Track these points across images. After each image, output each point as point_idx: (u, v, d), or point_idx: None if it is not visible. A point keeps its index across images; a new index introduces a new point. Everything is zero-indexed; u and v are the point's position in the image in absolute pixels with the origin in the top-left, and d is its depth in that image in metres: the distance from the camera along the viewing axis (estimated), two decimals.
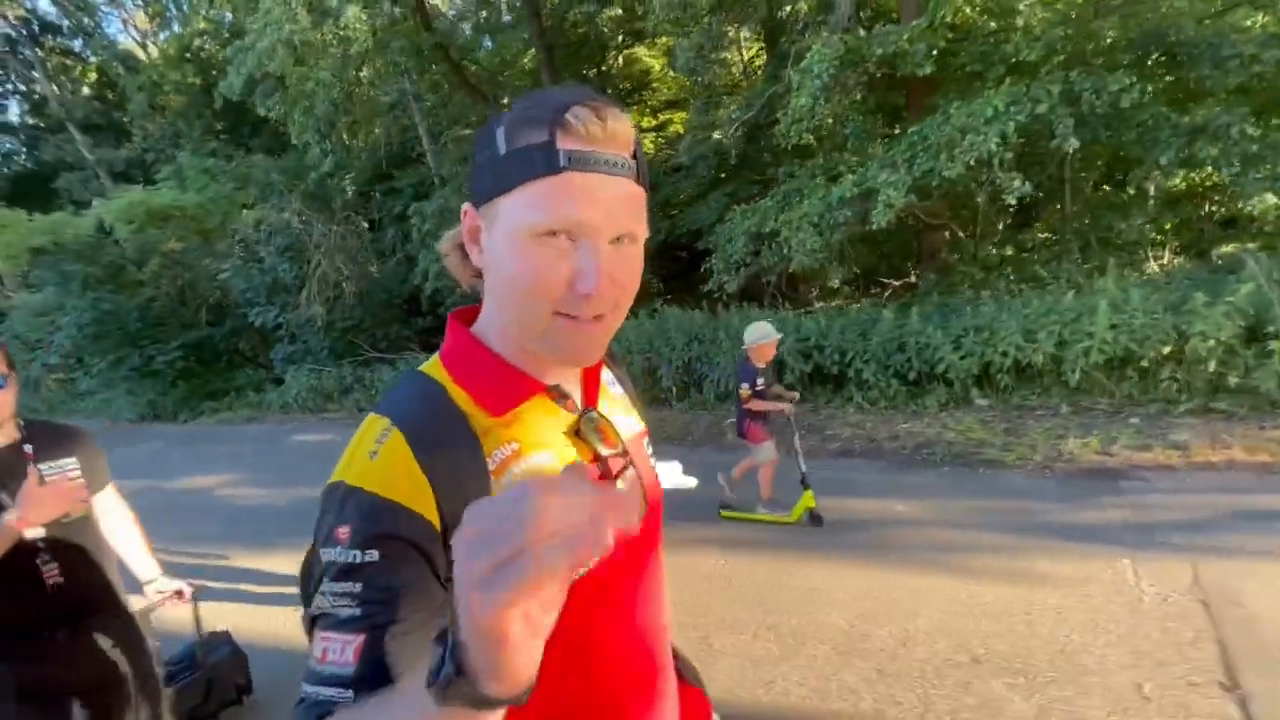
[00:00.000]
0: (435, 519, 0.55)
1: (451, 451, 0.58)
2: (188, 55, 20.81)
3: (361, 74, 12.27)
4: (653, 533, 0.74)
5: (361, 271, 11.04)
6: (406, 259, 11.09)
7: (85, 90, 26.94)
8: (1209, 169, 5.73)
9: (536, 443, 0.63)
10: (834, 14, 6.70)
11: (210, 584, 2.61)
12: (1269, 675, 2.02)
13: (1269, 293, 4.25)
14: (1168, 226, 6.81)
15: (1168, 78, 6.04)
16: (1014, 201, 5.16)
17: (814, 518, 3.45)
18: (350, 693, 0.49)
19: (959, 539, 3.19)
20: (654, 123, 14.08)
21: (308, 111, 9.41)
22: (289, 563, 3.90)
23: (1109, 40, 6.01)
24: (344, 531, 0.53)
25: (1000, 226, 7.99)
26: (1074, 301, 4.82)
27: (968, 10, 6.03)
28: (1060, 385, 4.78)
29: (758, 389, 3.44)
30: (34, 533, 1.41)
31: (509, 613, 0.34)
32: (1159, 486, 3.45)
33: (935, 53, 6.05)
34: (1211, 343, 4.17)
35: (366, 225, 12.79)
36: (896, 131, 6.96)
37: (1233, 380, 4.16)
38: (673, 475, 2.98)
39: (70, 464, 1.55)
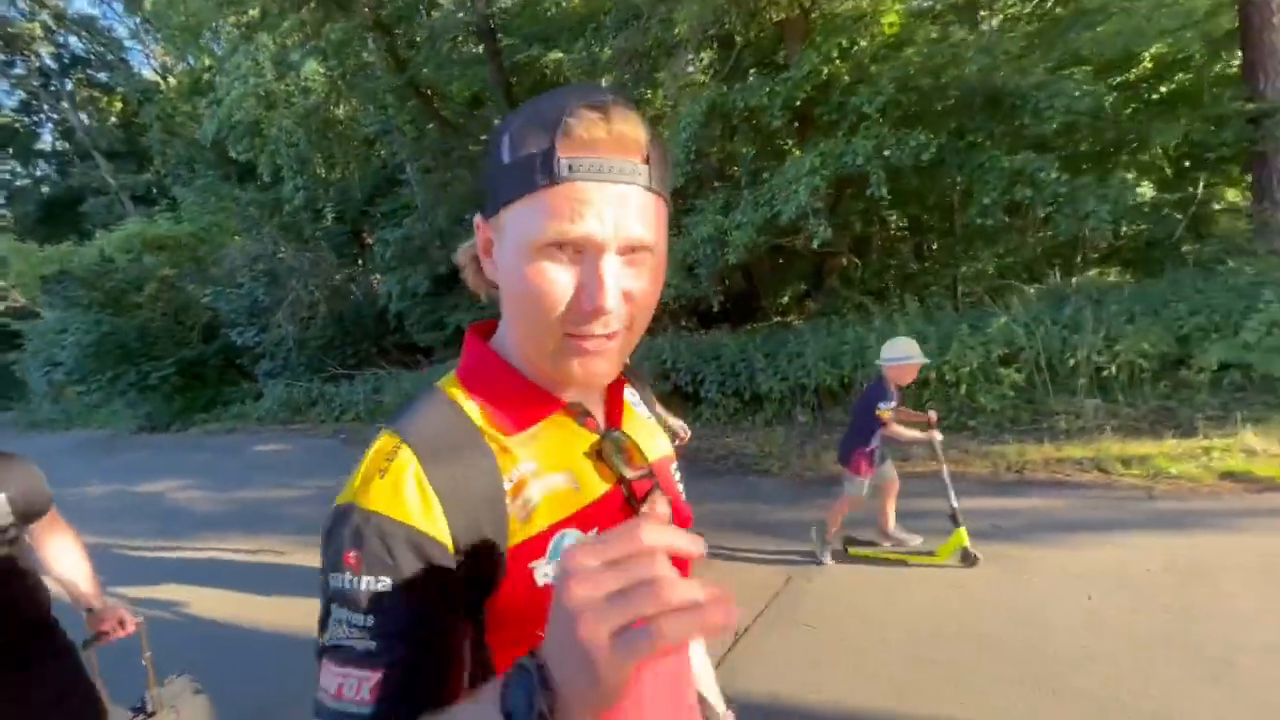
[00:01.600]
0: (448, 541, 0.53)
1: (464, 469, 0.56)
2: (198, 88, 22.30)
3: (338, 111, 13.40)
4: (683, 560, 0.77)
5: (332, 294, 12.09)
6: (371, 282, 12.13)
7: (111, 120, 28.77)
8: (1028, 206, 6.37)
9: (555, 463, 0.62)
10: (676, 60, 7.48)
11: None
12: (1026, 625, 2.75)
13: (1016, 326, 4.94)
14: (1009, 259, 7.44)
15: (999, 126, 6.71)
16: (816, 245, 5.87)
17: (966, 556, 3.02)
18: None
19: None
20: None
21: (273, 155, 10.47)
22: (207, 554, 4.83)
23: (947, 94, 6.71)
24: (353, 557, 0.51)
25: (890, 259, 8.66)
26: (859, 332, 5.54)
27: (825, 69, 6.77)
28: (847, 405, 5.52)
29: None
30: None
31: (635, 671, 0.35)
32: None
33: (798, 104, 6.83)
34: (965, 370, 4.87)
35: (358, 248, 13.87)
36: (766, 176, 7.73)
37: (983, 401, 4.84)
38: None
39: None
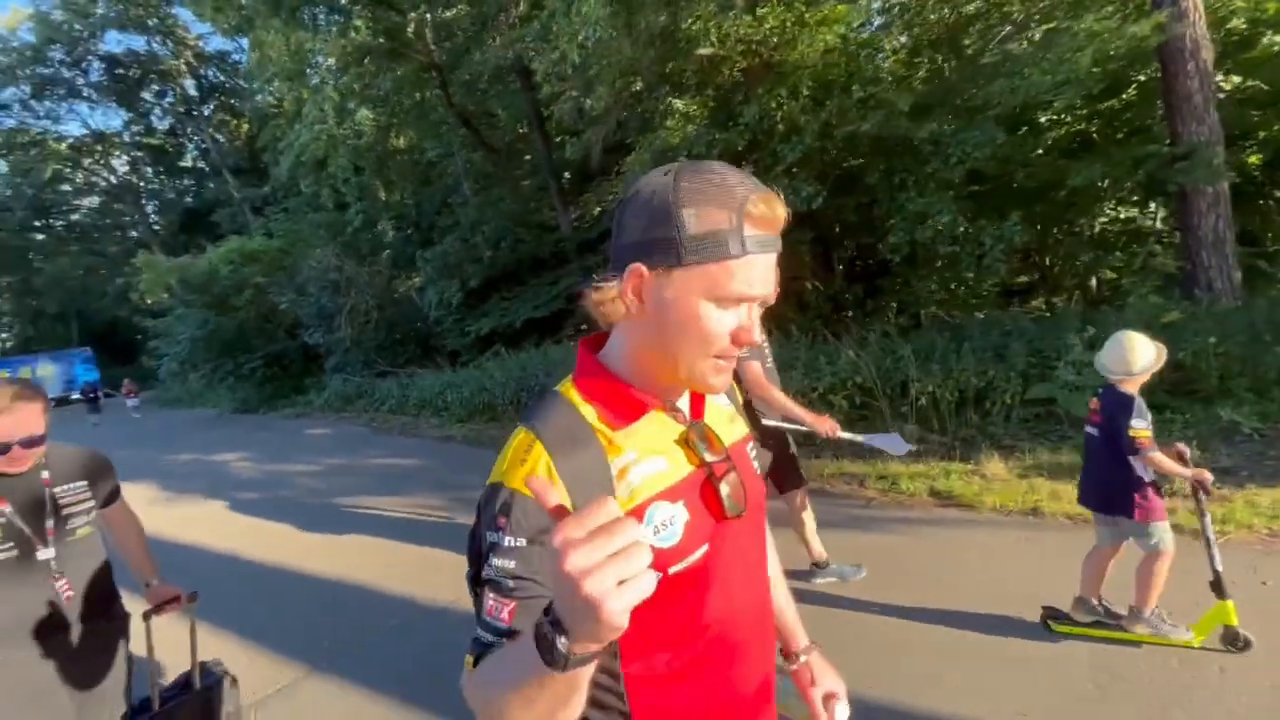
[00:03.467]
0: (571, 508, 0.63)
1: (583, 458, 0.73)
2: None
3: (399, 142, 15.42)
4: (757, 526, 0.88)
5: (385, 302, 14.08)
6: (418, 293, 14.00)
7: (238, 141, 33.16)
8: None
9: (652, 450, 0.77)
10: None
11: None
12: None
13: (862, 356, 5.68)
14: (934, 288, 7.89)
15: (919, 170, 7.29)
16: None
17: (1232, 638, 2.31)
18: (504, 640, 0.66)
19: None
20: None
21: (334, 187, 12.49)
22: (214, 511, 6.51)
23: (859, 144, 7.39)
24: (503, 521, 0.69)
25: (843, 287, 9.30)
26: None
27: (763, 120, 7.65)
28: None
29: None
30: (46, 554, 1.64)
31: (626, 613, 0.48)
32: None
33: (739, 149, 7.74)
34: (814, 394, 5.68)
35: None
36: None
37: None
38: (891, 442, 2.86)
39: (80, 486, 1.76)
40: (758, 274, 0.71)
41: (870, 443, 2.91)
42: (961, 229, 6.61)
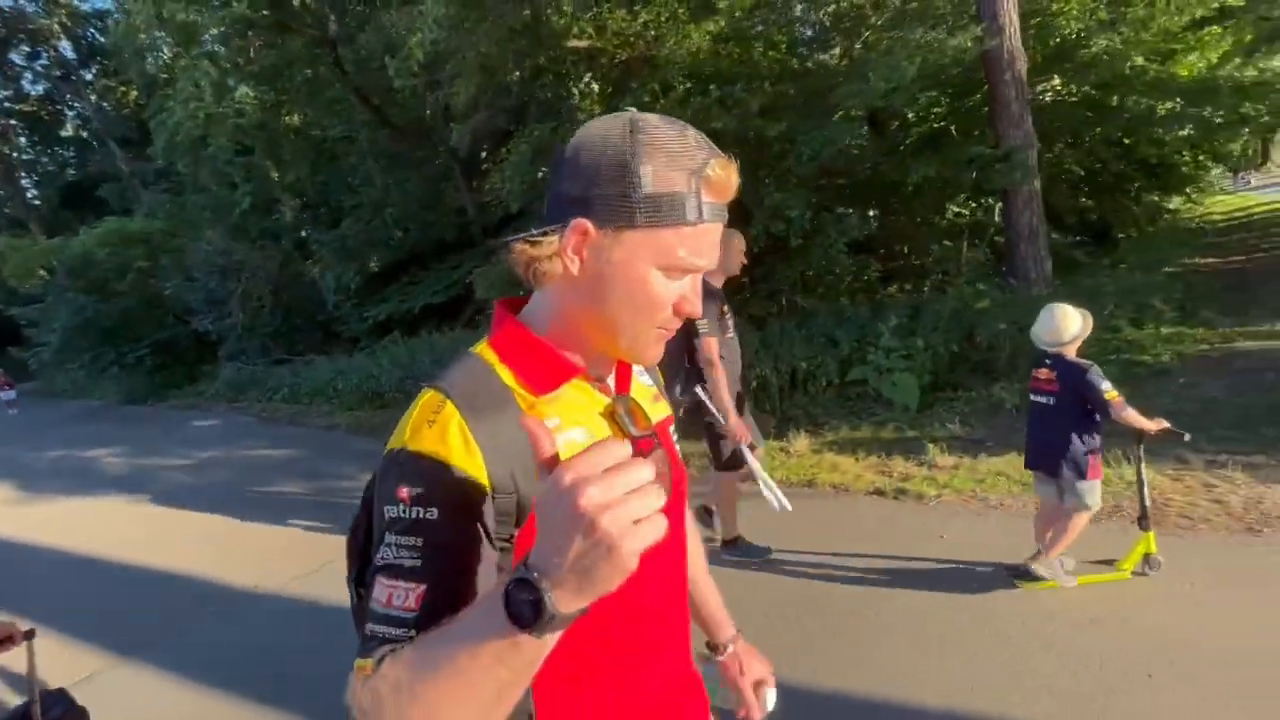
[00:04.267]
0: (485, 481, 0.62)
1: (500, 422, 0.65)
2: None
3: (293, 120, 14.81)
4: (679, 513, 0.85)
5: (279, 287, 13.65)
6: (313, 279, 13.64)
7: (125, 109, 30.66)
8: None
9: (574, 420, 0.71)
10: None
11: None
12: None
13: None
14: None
15: (771, 170, 7.74)
16: None
17: (1154, 563, 2.70)
18: (412, 632, 0.57)
19: None
20: None
21: (213, 168, 11.96)
22: (74, 508, 6.38)
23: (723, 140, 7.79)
24: (405, 491, 0.60)
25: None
26: None
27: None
28: None
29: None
30: None
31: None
32: None
33: None
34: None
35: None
36: None
37: None
38: (776, 496, 2.78)
39: None
40: (707, 243, 0.67)
41: (762, 483, 2.83)
42: (807, 222, 7.14)
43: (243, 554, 4.37)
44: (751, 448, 2.96)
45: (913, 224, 8.87)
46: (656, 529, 0.46)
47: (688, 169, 0.63)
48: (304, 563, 3.98)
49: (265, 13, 12.19)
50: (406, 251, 12.86)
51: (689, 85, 8.24)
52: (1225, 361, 5.44)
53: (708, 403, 2.92)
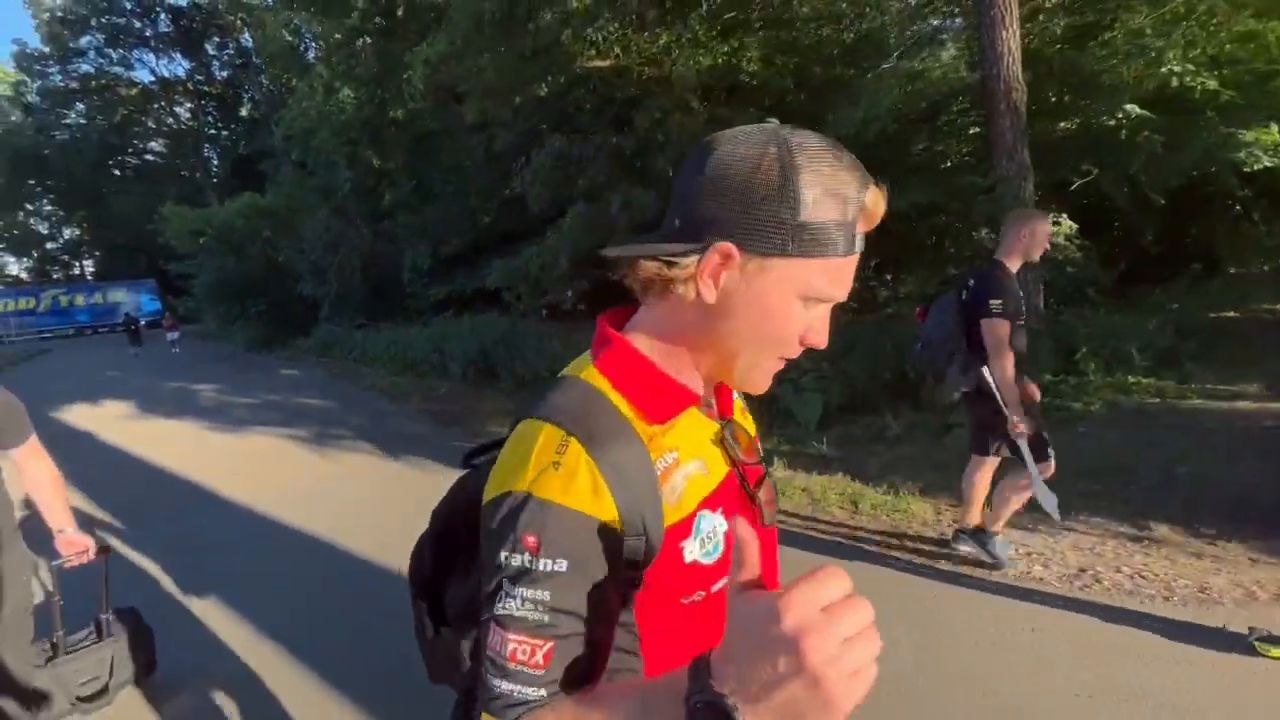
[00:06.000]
0: (618, 523, 0.58)
1: (625, 457, 0.60)
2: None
3: (397, 114, 16.76)
4: (773, 537, 0.79)
5: (368, 262, 15.69)
6: (397, 254, 15.53)
7: (288, 96, 35.24)
8: None
9: (691, 452, 0.67)
10: None
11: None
12: None
13: None
14: None
15: None
16: None
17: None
18: (543, 692, 0.54)
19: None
20: None
21: (318, 157, 14.00)
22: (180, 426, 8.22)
23: None
24: (533, 541, 0.56)
25: None
26: None
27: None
28: None
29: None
30: None
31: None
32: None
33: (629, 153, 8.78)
34: None
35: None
36: None
37: None
38: (1048, 499, 2.74)
39: None
40: (848, 275, 0.63)
41: (1036, 482, 2.80)
42: None
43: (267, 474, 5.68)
44: (1033, 442, 2.79)
45: (907, 251, 8.90)
46: (870, 678, 0.41)
47: (847, 197, 0.59)
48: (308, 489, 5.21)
49: (378, 20, 14.04)
50: (472, 238, 14.29)
51: (703, 104, 8.80)
52: (1153, 418, 5.34)
53: (994, 388, 2.71)
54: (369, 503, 4.81)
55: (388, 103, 15.42)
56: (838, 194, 0.58)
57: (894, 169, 8.51)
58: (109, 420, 8.54)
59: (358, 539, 3.97)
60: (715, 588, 0.67)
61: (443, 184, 16.09)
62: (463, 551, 0.77)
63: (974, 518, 3.18)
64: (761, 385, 0.69)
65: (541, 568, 0.56)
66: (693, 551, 0.64)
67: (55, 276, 42.06)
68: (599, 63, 8.89)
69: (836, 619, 0.41)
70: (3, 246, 40.12)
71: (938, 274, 9.01)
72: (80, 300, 34.71)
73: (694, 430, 0.69)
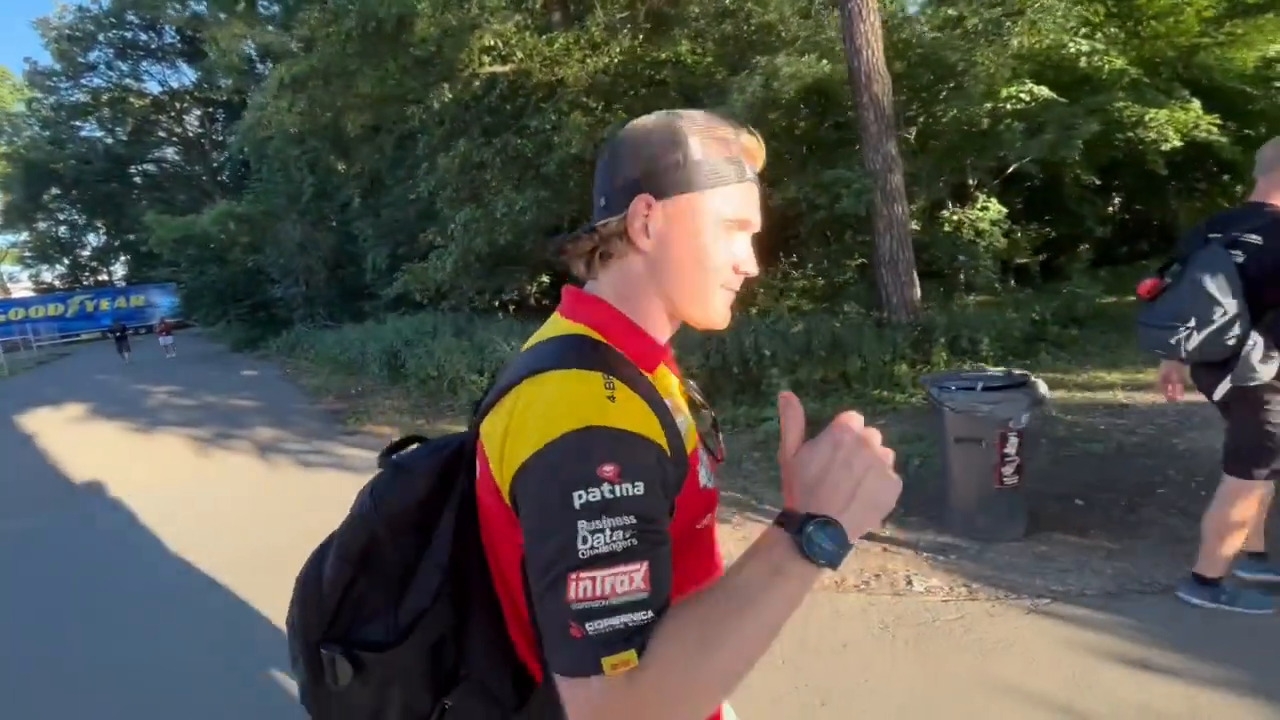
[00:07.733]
0: (666, 447, 0.63)
1: (652, 394, 0.67)
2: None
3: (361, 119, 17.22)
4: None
5: (337, 264, 16.27)
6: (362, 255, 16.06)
7: None
8: None
9: (674, 398, 0.74)
10: None
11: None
12: None
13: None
14: None
15: None
16: None
17: None
18: (651, 614, 0.55)
19: None
20: None
21: (274, 166, 14.54)
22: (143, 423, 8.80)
23: None
24: (610, 470, 0.57)
25: None
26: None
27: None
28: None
29: None
30: None
31: None
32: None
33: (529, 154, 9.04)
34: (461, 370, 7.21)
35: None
36: None
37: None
38: None
39: None
40: (755, 201, 0.73)
41: None
42: None
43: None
44: None
45: (787, 247, 9.00)
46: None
47: (728, 139, 0.71)
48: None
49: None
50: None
51: (598, 105, 9.01)
52: None
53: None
54: (208, 506, 5.22)
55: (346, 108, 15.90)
56: (719, 138, 0.70)
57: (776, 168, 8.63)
58: (57, 421, 9.17)
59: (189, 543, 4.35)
60: (702, 522, 0.74)
61: (397, 185, 16.60)
62: (392, 565, 0.70)
63: (1216, 567, 2.35)
64: (720, 316, 0.75)
65: (623, 492, 0.56)
66: (702, 478, 0.72)
67: (85, 282, 44.05)
68: (498, 68, 9.15)
69: (872, 436, 0.59)
70: (32, 255, 42.12)
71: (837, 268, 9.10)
72: (106, 304, 36.19)
73: (671, 380, 0.78)
